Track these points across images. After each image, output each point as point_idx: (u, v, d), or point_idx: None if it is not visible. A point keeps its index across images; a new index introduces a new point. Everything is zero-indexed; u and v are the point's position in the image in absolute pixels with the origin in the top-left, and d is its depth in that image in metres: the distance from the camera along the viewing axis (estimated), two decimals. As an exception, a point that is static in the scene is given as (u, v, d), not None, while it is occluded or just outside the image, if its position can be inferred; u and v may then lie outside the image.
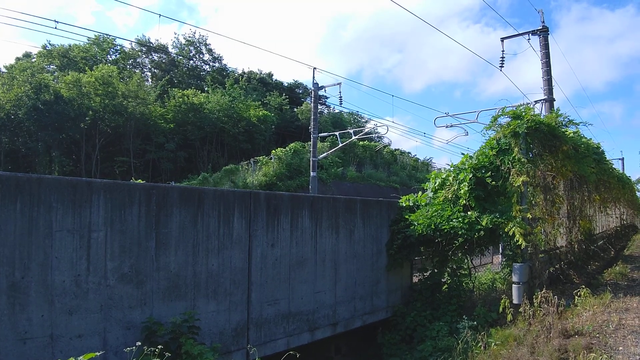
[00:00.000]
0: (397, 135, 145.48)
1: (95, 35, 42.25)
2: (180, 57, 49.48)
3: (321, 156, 24.15)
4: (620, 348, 5.89)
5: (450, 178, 9.78)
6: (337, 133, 26.20)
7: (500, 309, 7.77)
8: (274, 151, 29.41)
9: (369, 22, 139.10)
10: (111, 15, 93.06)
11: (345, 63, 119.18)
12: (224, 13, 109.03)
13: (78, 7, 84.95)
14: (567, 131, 10.43)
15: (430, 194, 10.28)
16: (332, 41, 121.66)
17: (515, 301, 8.25)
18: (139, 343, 4.32)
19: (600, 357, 5.36)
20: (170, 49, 50.21)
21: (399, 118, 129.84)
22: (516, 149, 8.84)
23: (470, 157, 9.76)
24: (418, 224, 9.21)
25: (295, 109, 48.37)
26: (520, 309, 7.51)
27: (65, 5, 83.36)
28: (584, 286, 8.83)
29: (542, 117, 9.97)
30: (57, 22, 20.63)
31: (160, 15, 39.89)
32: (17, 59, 43.25)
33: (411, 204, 10.23)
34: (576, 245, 13.01)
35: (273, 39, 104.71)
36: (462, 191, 9.29)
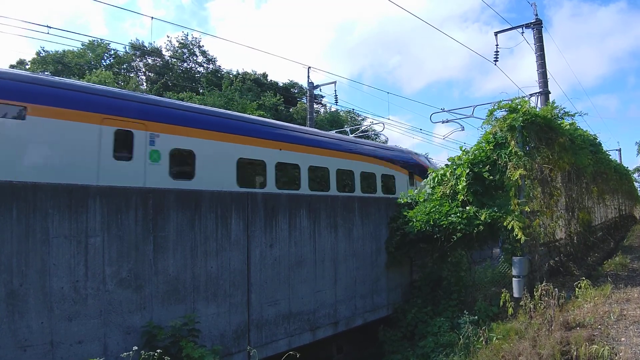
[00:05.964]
0: (398, 133, 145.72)
1: (89, 41, 42.14)
2: (175, 60, 49.33)
3: (318, 155, 24.07)
4: (622, 339, 5.90)
5: (448, 174, 9.76)
6: (333, 131, 26.17)
7: (501, 303, 7.77)
8: (271, 151, 29.25)
9: (373, 27, 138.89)
10: (124, 26, 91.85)
11: (350, 66, 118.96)
12: (232, 21, 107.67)
13: (91, 17, 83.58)
14: (563, 123, 10.45)
15: (428, 190, 10.27)
16: (339, 45, 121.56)
17: (515, 295, 8.25)
18: (136, 347, 4.31)
19: (603, 349, 5.37)
20: (164, 52, 50.10)
21: (400, 117, 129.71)
22: (513, 143, 8.83)
23: (467, 152, 9.75)
24: (416, 221, 9.19)
25: (291, 109, 48.29)
26: (521, 303, 7.52)
27: (77, 15, 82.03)
28: (584, 278, 8.84)
29: (537, 110, 9.98)
30: (50, 27, 20.33)
31: (152, 17, 39.79)
32: (11, 66, 43.10)
33: (409, 201, 10.22)
34: (575, 237, 13.04)
35: (273, 42, 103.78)
36: (459, 186, 9.28)
